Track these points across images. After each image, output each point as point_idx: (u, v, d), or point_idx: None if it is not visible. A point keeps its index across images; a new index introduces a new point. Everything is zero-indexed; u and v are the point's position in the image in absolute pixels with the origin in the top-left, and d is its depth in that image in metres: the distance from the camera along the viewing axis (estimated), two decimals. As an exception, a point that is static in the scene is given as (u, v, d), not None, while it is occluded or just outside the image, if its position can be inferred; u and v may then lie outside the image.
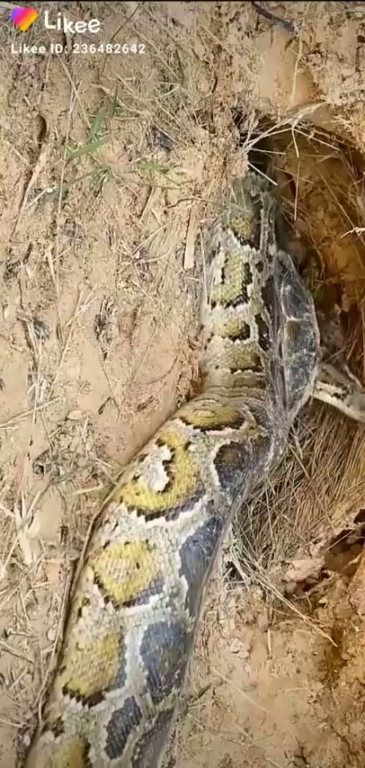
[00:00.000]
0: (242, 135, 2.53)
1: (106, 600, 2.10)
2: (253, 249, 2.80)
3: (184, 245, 2.42)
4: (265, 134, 2.54)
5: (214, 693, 2.56)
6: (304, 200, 3.34)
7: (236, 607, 2.76)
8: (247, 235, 2.79)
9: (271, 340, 2.82)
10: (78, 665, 2.08)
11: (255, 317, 2.79)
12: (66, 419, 2.21)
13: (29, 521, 2.10)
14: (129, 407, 2.36)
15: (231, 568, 2.81)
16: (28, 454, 2.13)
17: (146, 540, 2.14)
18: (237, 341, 2.78)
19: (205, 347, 2.77)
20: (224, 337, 2.78)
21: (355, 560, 2.88)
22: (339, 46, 2.34)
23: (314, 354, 3.09)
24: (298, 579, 3.06)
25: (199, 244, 2.48)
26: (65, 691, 2.06)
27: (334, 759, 2.48)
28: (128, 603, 2.09)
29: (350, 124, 2.45)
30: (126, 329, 2.34)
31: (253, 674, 2.65)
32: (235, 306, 2.77)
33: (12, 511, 2.08)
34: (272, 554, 2.99)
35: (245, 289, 2.78)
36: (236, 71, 2.39)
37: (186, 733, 2.46)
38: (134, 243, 2.30)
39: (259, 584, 2.85)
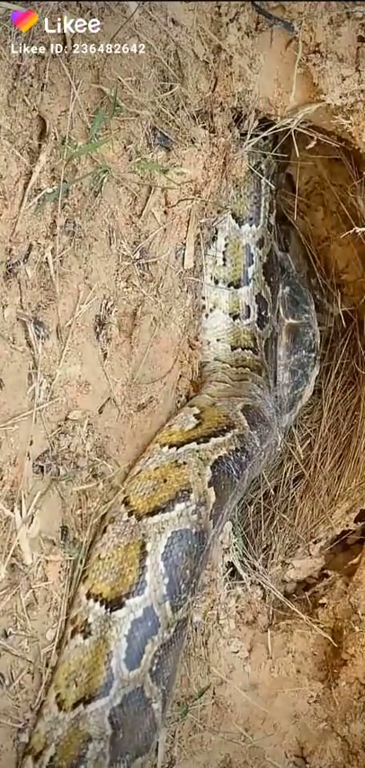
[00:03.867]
0: (242, 135, 2.53)
1: (130, 513, 2.19)
2: (254, 227, 2.78)
3: (184, 245, 2.43)
4: (265, 134, 2.55)
5: (214, 693, 2.56)
6: (304, 200, 3.34)
7: (236, 607, 2.76)
8: (246, 213, 2.77)
9: (269, 315, 2.87)
10: (99, 572, 2.14)
11: (256, 296, 2.83)
12: (66, 419, 2.21)
13: (29, 521, 2.10)
14: (129, 407, 2.37)
15: (231, 568, 2.81)
16: (28, 454, 2.13)
17: (176, 461, 2.27)
18: (237, 320, 2.83)
19: (207, 315, 2.82)
20: (225, 313, 2.82)
21: (355, 560, 2.87)
22: (339, 46, 2.34)
23: (313, 355, 3.10)
24: (298, 579, 3.06)
25: (199, 244, 2.48)
26: (88, 596, 2.12)
27: (334, 759, 2.48)
28: (151, 513, 2.16)
29: (350, 124, 2.45)
30: (126, 329, 2.34)
31: (253, 674, 2.65)
32: (236, 287, 2.81)
33: (12, 511, 2.08)
34: (272, 554, 2.98)
35: (247, 272, 2.80)
36: (236, 71, 2.39)
37: (186, 733, 2.46)
38: (134, 243, 2.30)
39: (259, 584, 2.85)
